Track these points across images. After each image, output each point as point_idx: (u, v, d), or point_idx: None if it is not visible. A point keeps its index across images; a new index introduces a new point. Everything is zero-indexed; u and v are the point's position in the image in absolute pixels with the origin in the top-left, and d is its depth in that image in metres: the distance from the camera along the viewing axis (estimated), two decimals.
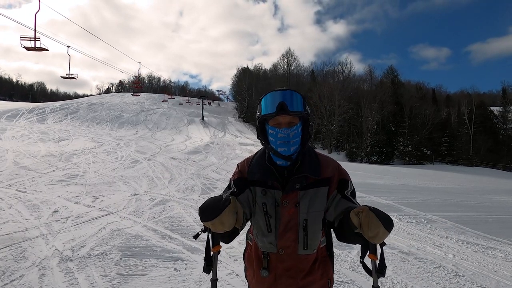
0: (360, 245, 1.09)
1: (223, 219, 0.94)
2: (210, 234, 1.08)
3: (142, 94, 58.52)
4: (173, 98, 57.87)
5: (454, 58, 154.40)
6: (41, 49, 15.88)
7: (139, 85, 50.18)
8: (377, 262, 1.01)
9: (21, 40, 15.43)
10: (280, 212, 1.18)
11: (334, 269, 3.28)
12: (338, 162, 1.31)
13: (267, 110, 1.17)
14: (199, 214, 0.99)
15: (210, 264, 1.10)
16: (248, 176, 1.25)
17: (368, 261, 1.05)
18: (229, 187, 1.28)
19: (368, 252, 1.02)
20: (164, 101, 52.13)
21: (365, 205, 0.98)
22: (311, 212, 1.17)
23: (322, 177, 1.19)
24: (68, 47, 17.67)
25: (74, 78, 22.56)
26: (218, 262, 3.40)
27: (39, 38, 15.16)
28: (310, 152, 1.25)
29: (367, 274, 3.20)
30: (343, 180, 1.22)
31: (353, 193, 1.23)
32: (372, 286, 1.02)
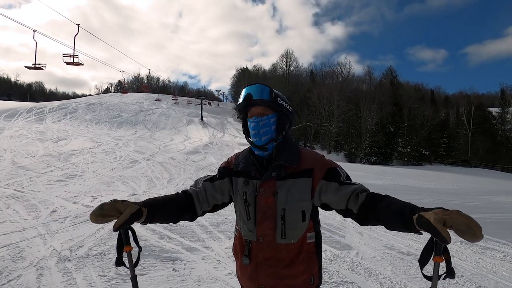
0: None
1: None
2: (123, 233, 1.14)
3: (141, 94, 58.49)
4: (177, 99, 57.47)
5: (451, 60, 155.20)
6: (78, 64, 20.00)
7: (148, 89, 54.14)
8: (443, 265, 0.91)
9: (63, 56, 19.76)
10: (258, 200, 1.23)
11: (333, 270, 3.29)
12: (331, 159, 1.32)
13: (239, 101, 1.27)
14: None
15: (119, 263, 1.13)
16: (233, 167, 1.33)
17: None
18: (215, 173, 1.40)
19: (434, 254, 0.91)
20: (157, 100, 51.74)
21: (444, 209, 0.87)
22: (289, 201, 1.19)
23: (302, 168, 1.22)
24: (34, 31, 16.37)
25: (42, 69, 20.41)
26: (217, 262, 3.40)
27: (77, 55, 19.54)
28: (290, 144, 1.29)
29: (366, 275, 3.22)
30: (330, 169, 1.23)
31: (348, 177, 1.24)
32: None
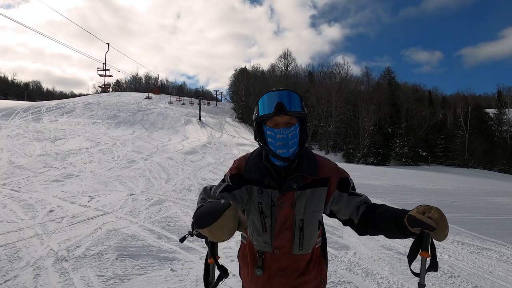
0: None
1: (222, 224, 0.80)
2: (209, 244, 0.92)
3: (139, 94, 58.42)
4: (180, 100, 57.32)
5: (447, 61, 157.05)
6: (109, 76, 28.84)
7: (158, 93, 58.53)
8: (428, 259, 1.01)
9: (97, 70, 27.86)
10: (276, 212, 1.17)
11: (331, 270, 3.30)
12: (344, 169, 1.30)
13: (264, 111, 1.14)
14: (196, 221, 0.87)
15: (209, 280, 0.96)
16: (244, 174, 1.23)
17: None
18: (223, 181, 1.24)
19: (420, 250, 1.00)
20: (148, 97, 50.86)
21: (426, 205, 0.98)
22: (307, 212, 1.17)
23: (320, 177, 1.19)
24: None
25: None
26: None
27: (109, 69, 26.83)
28: (308, 152, 1.25)
29: (363, 275, 3.22)
30: (343, 179, 1.23)
31: (353, 187, 1.24)
32: (419, 283, 1.02)
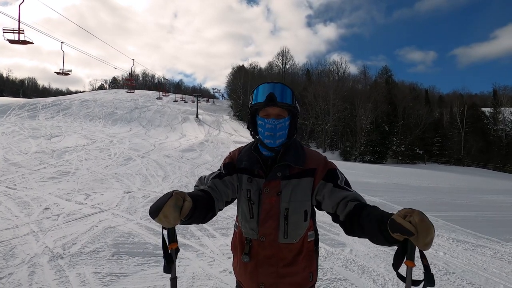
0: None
1: (165, 213, 0.91)
2: (166, 231, 1.03)
3: (136, 91, 58.13)
4: (183, 99, 57.11)
5: (441, 61, 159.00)
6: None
7: (166, 94, 57.82)
8: (413, 268, 0.91)
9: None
10: (262, 199, 1.23)
11: (327, 267, 3.32)
12: (330, 160, 1.32)
13: (257, 100, 1.22)
14: (149, 213, 0.97)
15: (171, 262, 1.05)
16: (236, 163, 1.31)
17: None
18: (218, 170, 1.33)
19: (405, 258, 0.90)
20: (130, 91, 49.42)
21: (410, 208, 0.87)
22: (292, 201, 1.20)
23: (306, 168, 1.23)
24: None
25: None
26: (212, 259, 3.40)
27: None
28: (296, 144, 1.29)
29: (359, 272, 3.24)
30: (330, 170, 1.23)
31: (346, 183, 1.22)
32: None
